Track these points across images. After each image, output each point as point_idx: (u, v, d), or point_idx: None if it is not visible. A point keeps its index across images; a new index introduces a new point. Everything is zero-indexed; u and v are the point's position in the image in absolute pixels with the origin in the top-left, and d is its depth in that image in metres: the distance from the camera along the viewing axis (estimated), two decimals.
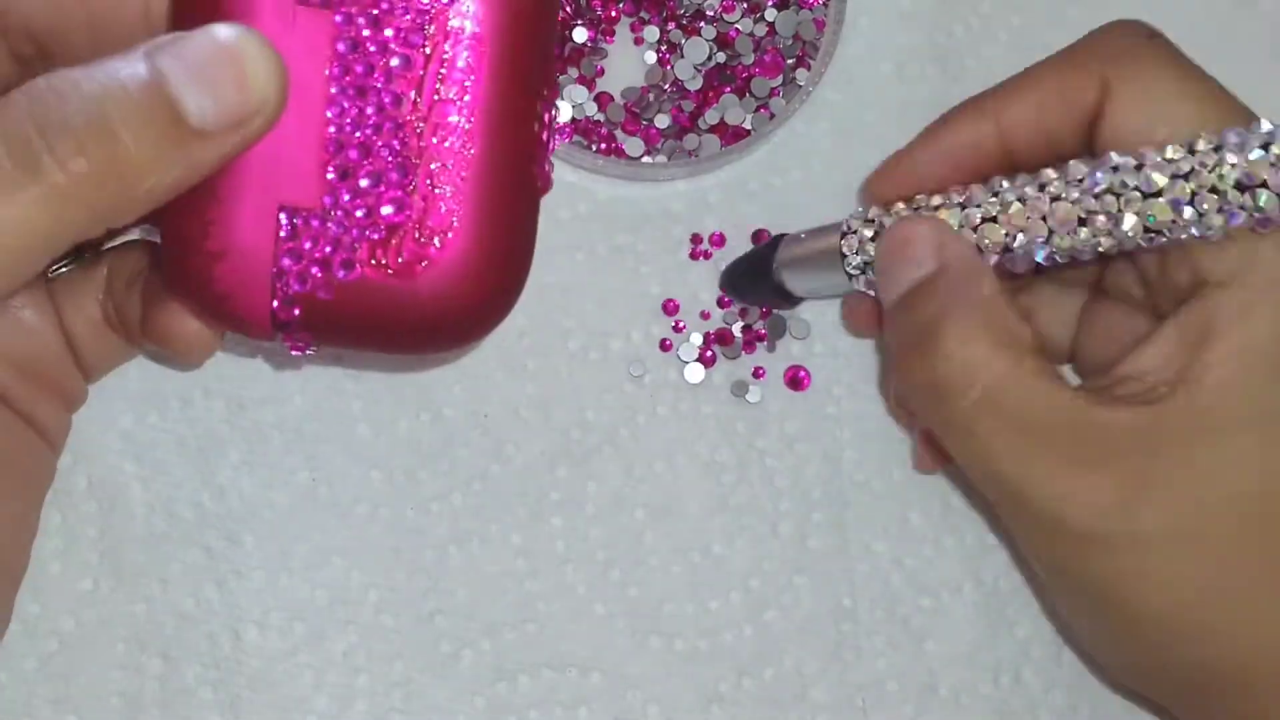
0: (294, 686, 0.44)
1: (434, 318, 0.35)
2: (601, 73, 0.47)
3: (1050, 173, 0.38)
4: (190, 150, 0.32)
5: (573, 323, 0.46)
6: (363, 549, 0.45)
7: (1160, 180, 0.36)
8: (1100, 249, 0.37)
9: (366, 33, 0.34)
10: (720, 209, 0.47)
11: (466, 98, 0.34)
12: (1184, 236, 0.36)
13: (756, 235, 0.47)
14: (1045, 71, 0.40)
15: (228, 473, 0.44)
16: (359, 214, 0.34)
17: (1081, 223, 0.37)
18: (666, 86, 0.46)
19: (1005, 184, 0.39)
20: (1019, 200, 0.38)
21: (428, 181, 0.34)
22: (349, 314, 0.35)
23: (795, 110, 0.45)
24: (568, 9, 0.46)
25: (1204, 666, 0.38)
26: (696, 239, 0.46)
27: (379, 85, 0.34)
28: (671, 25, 0.46)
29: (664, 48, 0.47)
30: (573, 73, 0.46)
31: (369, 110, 0.34)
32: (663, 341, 0.46)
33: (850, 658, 0.45)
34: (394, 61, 0.34)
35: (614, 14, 0.47)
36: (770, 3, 0.46)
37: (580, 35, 0.46)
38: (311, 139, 0.34)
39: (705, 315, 0.46)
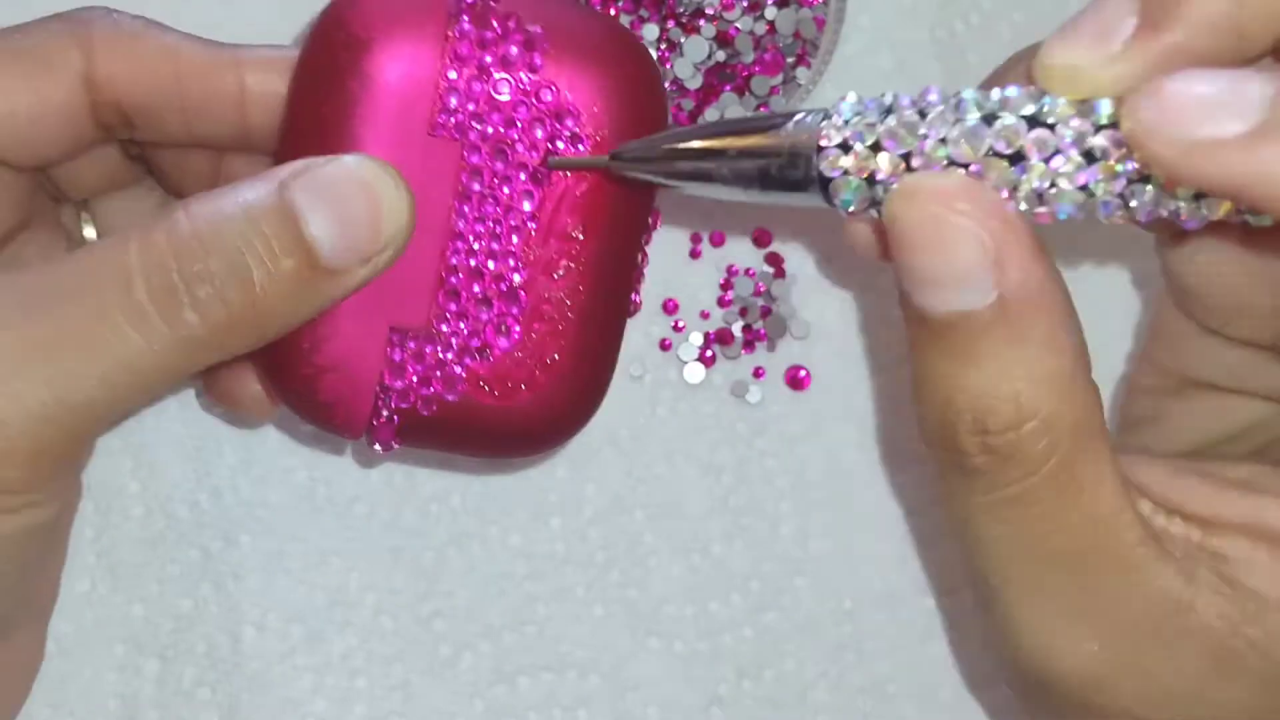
0: (292, 688, 0.44)
1: (525, 435, 0.37)
2: None
3: None
4: (320, 287, 0.32)
5: None
6: (361, 550, 0.44)
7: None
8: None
9: (495, 168, 0.35)
10: (720, 209, 0.47)
11: (580, 234, 0.35)
12: None
13: (757, 236, 0.46)
14: None
15: (225, 473, 0.44)
16: (469, 339, 0.35)
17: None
18: (666, 85, 0.46)
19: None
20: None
21: (537, 312, 0.35)
22: (445, 428, 0.36)
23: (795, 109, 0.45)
24: None
25: None
26: (696, 238, 0.46)
27: (500, 218, 0.35)
28: (671, 23, 0.46)
29: (664, 46, 0.46)
30: None
31: (489, 243, 0.35)
32: (662, 341, 0.46)
33: (851, 659, 0.45)
34: (515, 196, 0.35)
35: (613, 13, 0.47)
36: (770, 1, 0.46)
37: None
38: (428, 263, 0.35)
39: (705, 315, 0.46)
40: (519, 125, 0.34)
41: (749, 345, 0.46)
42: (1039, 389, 0.29)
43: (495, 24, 0.34)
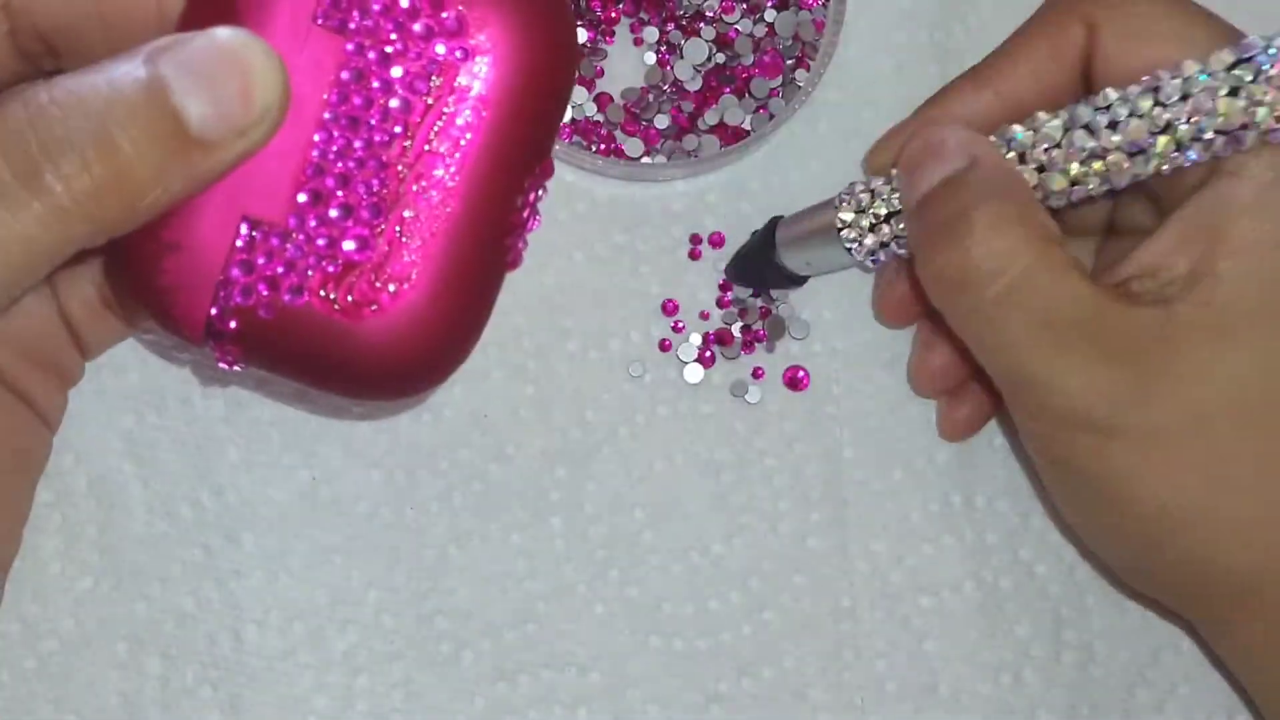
0: (294, 686, 0.44)
1: (369, 364, 0.34)
2: (601, 73, 0.47)
3: (1060, 117, 0.39)
4: (192, 160, 0.31)
5: (572, 323, 0.46)
6: (363, 549, 0.45)
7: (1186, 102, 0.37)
8: (1117, 184, 0.38)
9: (373, 67, 0.33)
10: (720, 209, 0.47)
11: (456, 155, 0.33)
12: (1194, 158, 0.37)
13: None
14: (1031, 30, 0.41)
15: (227, 472, 0.44)
16: (321, 242, 0.33)
17: (1095, 157, 0.38)
18: (666, 87, 0.47)
19: (1015, 130, 0.40)
20: (1033, 144, 0.39)
21: (397, 228, 0.33)
22: (286, 340, 0.34)
23: (795, 111, 0.45)
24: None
25: (1207, 561, 0.39)
26: (696, 239, 0.47)
27: (373, 122, 0.33)
28: (671, 26, 0.47)
29: (663, 48, 0.47)
30: None
31: (356, 144, 0.33)
32: (662, 342, 0.46)
33: (850, 657, 0.45)
34: (393, 102, 0.33)
35: (613, 15, 0.47)
36: (769, 3, 0.46)
37: (580, 36, 0.46)
38: (292, 158, 0.33)
39: (704, 315, 0.46)
40: (403, 25, 0.33)
41: (748, 346, 0.46)
42: (1006, 205, 0.38)
43: None
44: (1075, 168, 0.38)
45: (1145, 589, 0.44)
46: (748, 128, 0.46)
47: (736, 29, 0.46)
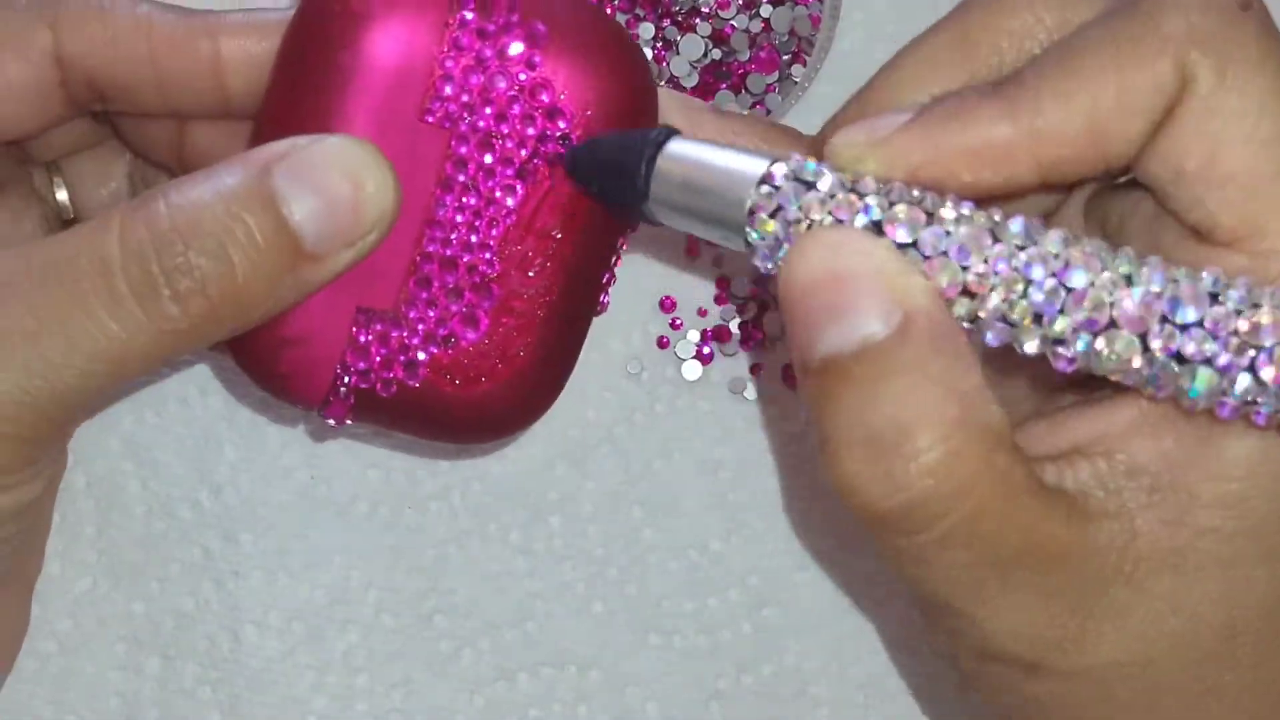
0: (293, 686, 0.44)
1: (479, 424, 0.36)
2: None
3: (1112, 268, 0.28)
4: (303, 273, 0.32)
5: None
6: (362, 548, 0.45)
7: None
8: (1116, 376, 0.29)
9: (477, 156, 0.34)
10: None
11: (558, 235, 0.35)
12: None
13: None
14: (1094, 61, 0.29)
15: (226, 471, 0.44)
16: (433, 326, 0.35)
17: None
18: (662, 83, 0.46)
19: (1027, 240, 0.29)
20: (1058, 281, 0.28)
21: (506, 307, 0.35)
22: (400, 410, 0.36)
23: (791, 106, 0.45)
24: None
25: None
26: (694, 237, 0.46)
27: (480, 210, 0.34)
28: (667, 22, 0.46)
29: (659, 44, 0.47)
30: None
31: (464, 231, 0.34)
32: (660, 339, 0.46)
33: (850, 654, 0.45)
34: (498, 190, 0.34)
35: (610, 11, 0.47)
36: None
37: None
38: (403, 247, 0.34)
39: (703, 313, 0.46)
40: (510, 120, 0.34)
41: (746, 342, 0.46)
42: (950, 406, 0.29)
43: (498, 15, 0.34)
44: (1074, 338, 0.29)
45: None
46: None
47: (732, 25, 0.46)
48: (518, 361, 0.35)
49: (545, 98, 0.34)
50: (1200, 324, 0.28)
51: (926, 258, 0.29)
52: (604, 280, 0.37)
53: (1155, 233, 0.31)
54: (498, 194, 0.34)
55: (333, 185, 0.32)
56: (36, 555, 0.41)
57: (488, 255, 0.35)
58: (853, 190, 0.30)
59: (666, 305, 0.46)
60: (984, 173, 0.30)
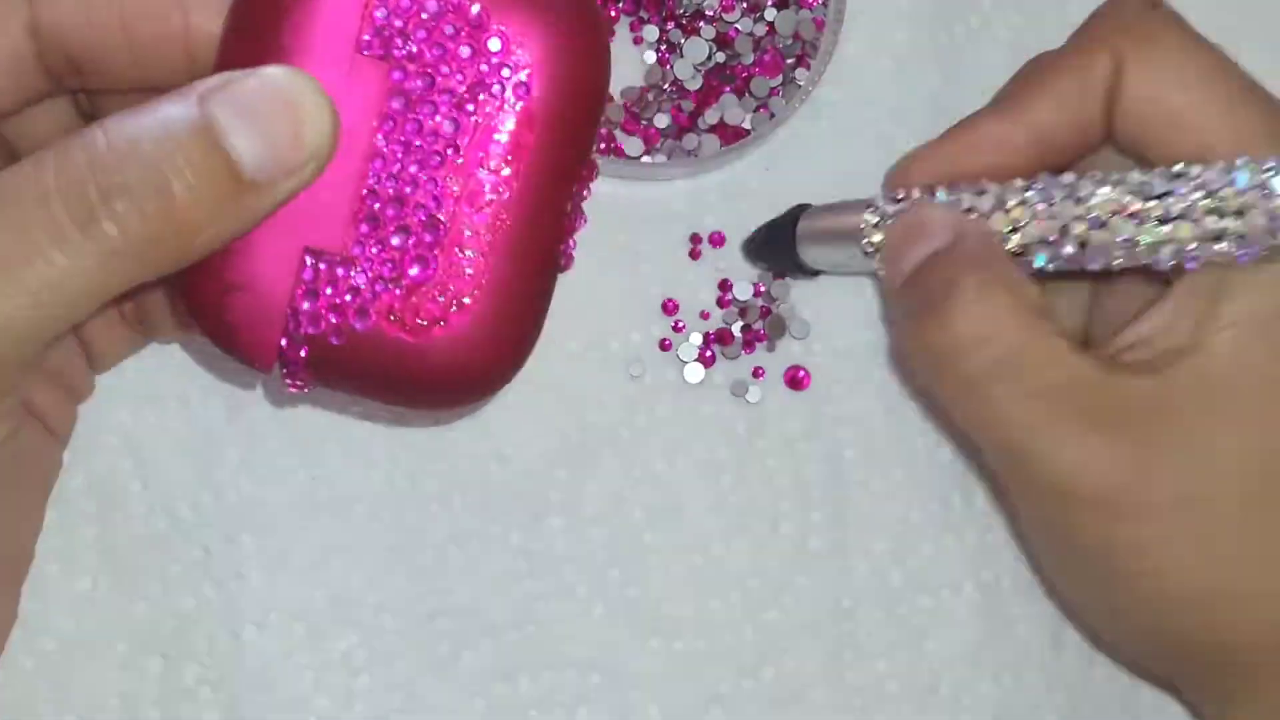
0: (294, 687, 0.44)
1: (439, 378, 0.35)
2: None
3: (1090, 182, 0.38)
4: (244, 200, 0.32)
5: (572, 323, 0.46)
6: (362, 549, 0.44)
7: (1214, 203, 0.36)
8: (1122, 264, 0.37)
9: (419, 91, 0.34)
10: (720, 209, 0.47)
11: (506, 171, 0.34)
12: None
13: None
14: (1058, 63, 0.40)
15: (226, 472, 0.44)
16: (383, 267, 0.34)
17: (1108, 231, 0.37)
18: (666, 86, 0.46)
19: (1036, 186, 0.38)
20: (1045, 203, 0.38)
21: (456, 246, 0.34)
22: (356, 362, 0.35)
23: (795, 110, 0.45)
24: None
25: (1207, 639, 0.38)
26: (696, 239, 0.46)
27: (424, 145, 0.34)
28: (671, 25, 0.46)
29: (663, 47, 0.47)
30: None
31: (409, 168, 0.34)
32: (662, 341, 0.46)
33: (850, 658, 0.45)
34: (443, 124, 0.34)
35: (613, 14, 0.47)
36: (770, 2, 0.46)
37: None
38: (348, 186, 0.34)
39: (705, 315, 0.46)
40: (447, 49, 0.34)
41: (748, 345, 0.46)
42: (986, 271, 0.38)
43: None
44: (1068, 248, 0.38)
45: (1144, 665, 0.43)
46: (748, 127, 0.46)
47: (736, 28, 0.46)
48: (471, 308, 0.34)
49: (486, 34, 0.34)
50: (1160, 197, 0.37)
51: (979, 215, 0.39)
52: (563, 228, 0.36)
53: None
54: (438, 125, 0.34)
55: (269, 113, 0.32)
56: (24, 548, 0.41)
57: (433, 188, 0.34)
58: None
59: (668, 308, 0.46)
60: (986, 162, 0.40)
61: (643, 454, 0.45)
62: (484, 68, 0.34)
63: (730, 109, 0.46)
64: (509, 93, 0.34)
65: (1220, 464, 0.37)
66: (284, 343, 0.35)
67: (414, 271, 0.34)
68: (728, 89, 0.46)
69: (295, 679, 0.44)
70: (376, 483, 0.45)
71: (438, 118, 0.34)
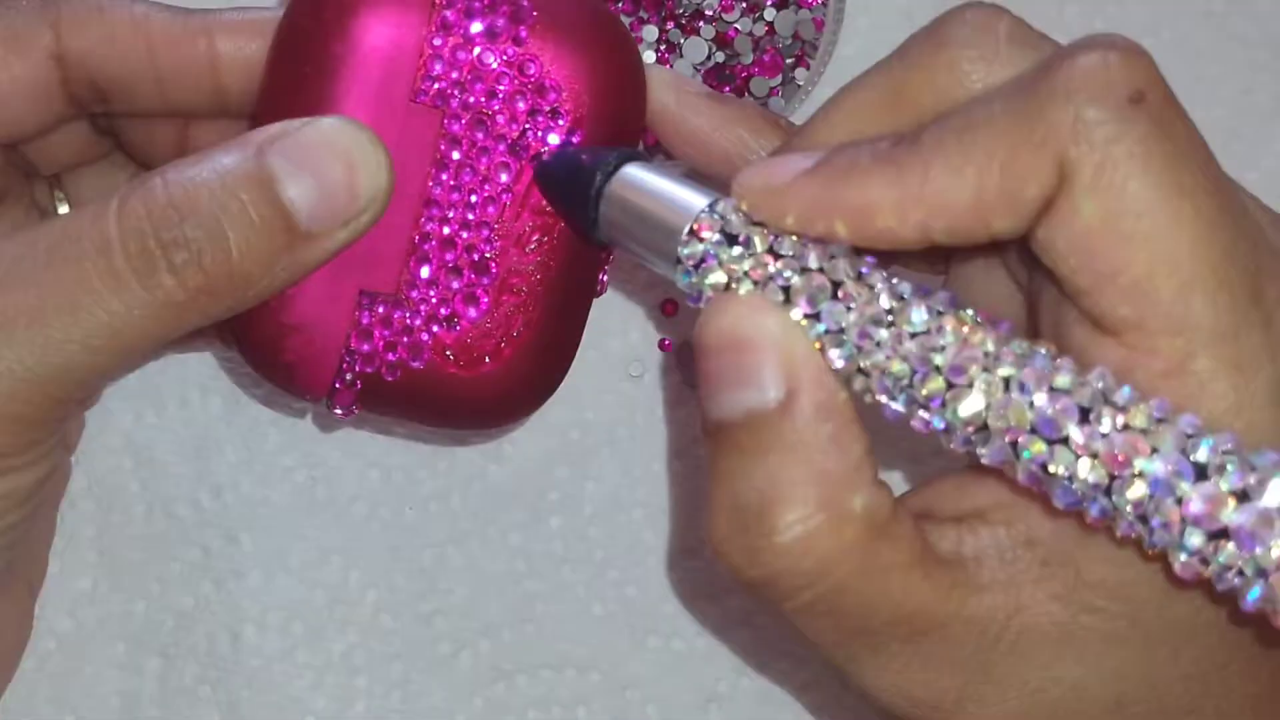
0: (293, 686, 0.44)
1: (485, 406, 0.37)
2: None
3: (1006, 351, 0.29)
4: (299, 251, 0.33)
5: None
6: (361, 549, 0.45)
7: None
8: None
9: (470, 136, 0.35)
10: None
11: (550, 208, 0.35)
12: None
13: None
14: (985, 138, 0.29)
15: (226, 472, 0.44)
16: (435, 307, 0.35)
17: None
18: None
19: (925, 319, 0.29)
20: (919, 352, 0.29)
21: (505, 286, 0.35)
22: (406, 394, 0.36)
23: (794, 110, 0.45)
24: None
25: None
26: None
27: (476, 189, 0.35)
28: (670, 25, 0.46)
29: (663, 47, 0.47)
30: None
31: (462, 211, 0.35)
32: (662, 341, 0.46)
33: None
34: (495, 170, 0.35)
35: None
36: (769, 2, 0.46)
37: None
38: (401, 229, 0.35)
39: None
40: (500, 96, 0.35)
41: None
42: (817, 486, 0.30)
43: None
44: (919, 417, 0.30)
45: None
46: None
47: (736, 28, 0.46)
48: (520, 340, 0.36)
49: (533, 72, 0.35)
50: (1064, 441, 0.28)
51: (827, 332, 0.30)
52: (601, 258, 0.37)
53: (1060, 310, 0.31)
54: (492, 171, 0.35)
55: (326, 164, 0.32)
56: (39, 561, 0.41)
57: (485, 233, 0.35)
58: (770, 250, 0.30)
59: (668, 309, 0.46)
60: (868, 230, 0.30)
61: (642, 453, 0.45)
62: (535, 114, 0.35)
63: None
64: (558, 137, 0.35)
65: (1062, 697, 0.31)
66: (338, 381, 0.36)
67: (466, 311, 0.35)
68: (727, 89, 0.46)
69: (294, 678, 0.44)
70: (375, 483, 0.45)
71: (490, 163, 0.35)
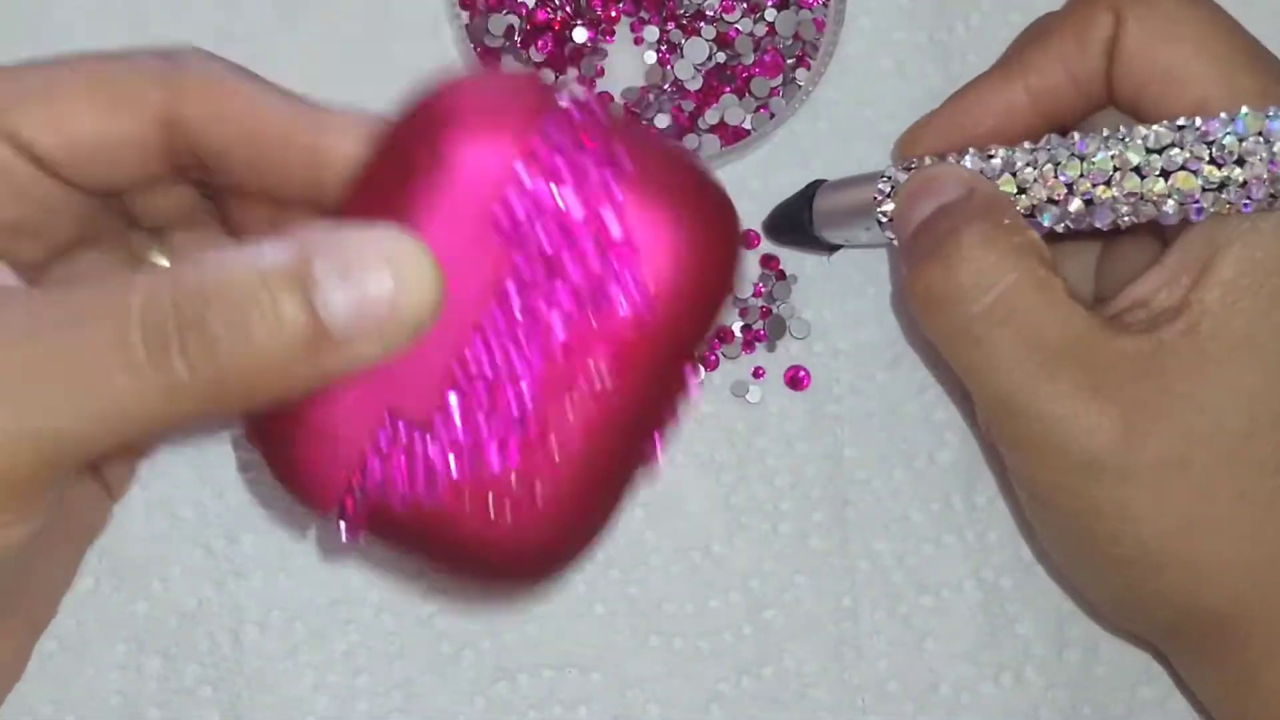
0: (294, 687, 0.44)
1: (495, 565, 0.33)
2: (601, 73, 0.47)
3: (1087, 140, 0.38)
4: (323, 359, 0.30)
5: None
6: (362, 549, 0.45)
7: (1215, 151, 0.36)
8: (1127, 220, 0.38)
9: (539, 280, 0.32)
10: None
11: (607, 375, 0.32)
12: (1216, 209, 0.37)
13: (755, 238, 0.47)
14: (1058, 23, 0.40)
15: (227, 472, 0.44)
16: (463, 444, 0.32)
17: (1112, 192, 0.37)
18: (666, 86, 0.46)
19: (1037, 147, 0.39)
20: (1052, 163, 0.38)
21: (541, 442, 0.32)
22: (414, 530, 0.33)
23: (795, 110, 0.45)
24: (568, 10, 0.46)
25: (1186, 601, 0.38)
26: None
27: (529, 334, 0.32)
28: (671, 25, 0.47)
29: (664, 48, 0.47)
30: (573, 73, 0.46)
31: (510, 352, 0.32)
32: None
33: (850, 657, 0.45)
34: (555, 318, 0.32)
35: (614, 14, 0.47)
36: (770, 2, 0.46)
37: (580, 35, 0.46)
38: (444, 351, 0.32)
39: None
40: (576, 244, 0.32)
41: (749, 345, 0.46)
42: (991, 221, 0.38)
43: (583, 140, 0.32)
44: (1075, 204, 0.38)
45: (1124, 625, 0.44)
46: (748, 127, 0.46)
47: (737, 28, 0.46)
48: (540, 507, 0.32)
49: (614, 228, 0.32)
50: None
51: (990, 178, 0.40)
52: (655, 433, 0.34)
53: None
54: (551, 318, 0.32)
55: (370, 273, 0.30)
56: (49, 605, 0.41)
57: (528, 381, 0.32)
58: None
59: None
60: (1002, 123, 0.41)
61: None
62: (608, 274, 0.32)
63: (730, 109, 0.46)
64: (628, 299, 0.32)
65: (1203, 426, 0.37)
66: (347, 496, 0.33)
67: (491, 458, 0.32)
68: (728, 89, 0.46)
69: (296, 678, 0.44)
70: None
71: (550, 311, 0.32)
